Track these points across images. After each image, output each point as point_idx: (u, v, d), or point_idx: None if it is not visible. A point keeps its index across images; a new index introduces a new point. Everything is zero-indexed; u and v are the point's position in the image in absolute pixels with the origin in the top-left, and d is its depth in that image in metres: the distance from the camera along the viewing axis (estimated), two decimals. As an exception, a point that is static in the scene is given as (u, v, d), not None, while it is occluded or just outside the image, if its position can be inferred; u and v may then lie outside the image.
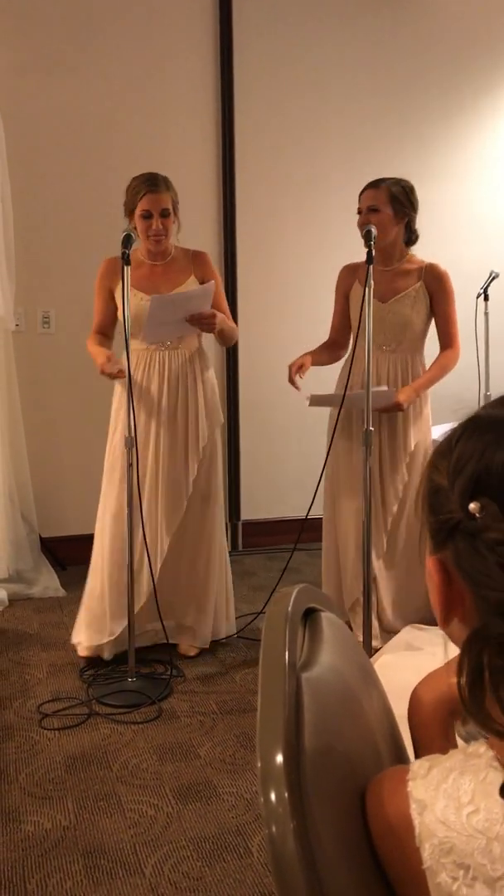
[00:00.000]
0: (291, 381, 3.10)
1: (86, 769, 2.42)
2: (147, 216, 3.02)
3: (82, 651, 3.13)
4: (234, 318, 4.61)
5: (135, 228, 3.05)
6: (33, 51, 4.17)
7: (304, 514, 3.12)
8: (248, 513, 4.70)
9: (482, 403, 4.23)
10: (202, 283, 3.12)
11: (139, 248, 3.12)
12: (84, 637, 3.13)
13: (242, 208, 4.55)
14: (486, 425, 0.69)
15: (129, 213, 3.08)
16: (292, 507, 4.42)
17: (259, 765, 0.65)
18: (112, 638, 3.08)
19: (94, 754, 2.50)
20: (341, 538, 3.21)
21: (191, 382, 3.12)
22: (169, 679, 2.98)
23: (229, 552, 3.39)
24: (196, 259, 3.19)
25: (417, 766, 0.71)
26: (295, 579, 3.41)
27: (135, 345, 3.03)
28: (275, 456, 4.67)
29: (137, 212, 3.03)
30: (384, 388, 3.03)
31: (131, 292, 2.96)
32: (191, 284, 3.11)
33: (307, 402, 3.08)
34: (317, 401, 3.09)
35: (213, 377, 3.23)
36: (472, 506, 0.65)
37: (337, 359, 3.36)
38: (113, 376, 2.98)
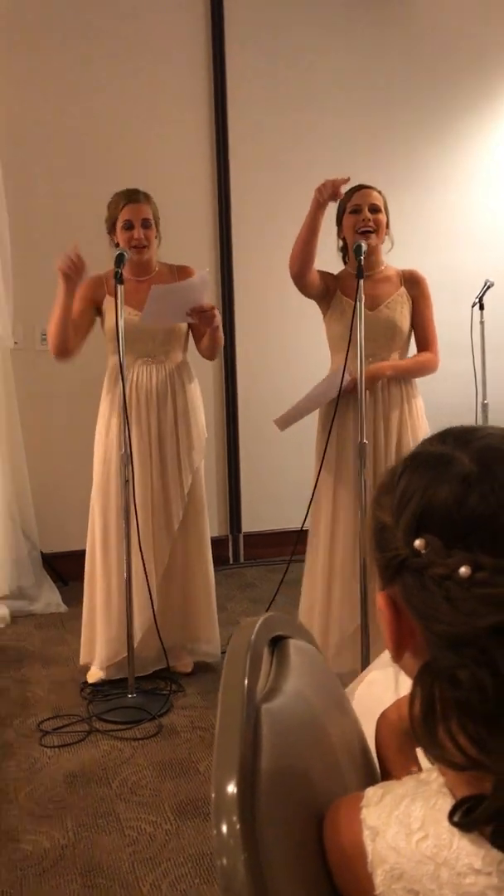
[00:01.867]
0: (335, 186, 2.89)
1: (85, 787, 2.43)
2: (128, 226, 3.02)
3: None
4: (232, 329, 4.65)
5: (117, 244, 3.06)
6: (27, 72, 4.21)
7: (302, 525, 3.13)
8: (248, 525, 4.70)
9: (479, 412, 4.15)
10: None
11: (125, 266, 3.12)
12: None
13: (238, 220, 4.57)
14: (426, 461, 0.70)
15: (111, 227, 3.09)
16: (293, 519, 4.42)
17: (213, 796, 0.66)
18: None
19: (94, 771, 2.51)
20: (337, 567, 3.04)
21: (179, 395, 3.11)
22: (169, 695, 2.99)
23: (230, 564, 3.38)
24: (182, 274, 3.17)
25: (371, 792, 0.72)
26: (293, 592, 3.41)
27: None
28: (275, 467, 4.68)
29: (119, 223, 3.04)
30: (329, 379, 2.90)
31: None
32: None
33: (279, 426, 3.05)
34: (284, 421, 3.05)
35: (197, 389, 3.21)
36: (416, 542, 0.66)
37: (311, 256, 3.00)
38: (66, 269, 2.86)
